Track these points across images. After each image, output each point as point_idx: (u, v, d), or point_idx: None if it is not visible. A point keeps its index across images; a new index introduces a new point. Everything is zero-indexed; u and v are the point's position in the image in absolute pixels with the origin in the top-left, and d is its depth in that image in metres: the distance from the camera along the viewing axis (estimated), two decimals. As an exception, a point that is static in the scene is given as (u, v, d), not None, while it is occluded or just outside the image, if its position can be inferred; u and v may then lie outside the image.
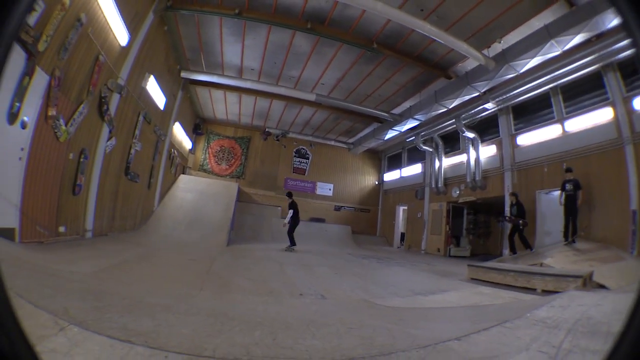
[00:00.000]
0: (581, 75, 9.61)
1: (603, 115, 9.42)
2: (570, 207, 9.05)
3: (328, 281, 7.38)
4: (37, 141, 5.18)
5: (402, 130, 16.01)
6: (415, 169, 18.73)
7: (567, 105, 10.51)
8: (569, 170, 9.37)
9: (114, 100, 7.63)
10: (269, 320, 3.56)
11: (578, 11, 7.93)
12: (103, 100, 7.14)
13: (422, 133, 15.88)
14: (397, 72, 12.50)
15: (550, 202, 10.63)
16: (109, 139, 7.74)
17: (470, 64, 10.85)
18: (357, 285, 7.15)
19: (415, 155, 18.60)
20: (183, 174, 16.65)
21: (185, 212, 13.08)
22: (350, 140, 20.42)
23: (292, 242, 12.39)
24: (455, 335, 2.99)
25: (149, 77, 9.24)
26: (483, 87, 10.93)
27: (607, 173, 9.16)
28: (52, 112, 5.43)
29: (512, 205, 11.33)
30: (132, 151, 9.21)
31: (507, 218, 11.38)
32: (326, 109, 16.05)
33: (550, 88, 10.59)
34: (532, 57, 8.96)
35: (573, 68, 9.41)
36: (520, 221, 10.96)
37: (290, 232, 12.52)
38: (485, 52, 9.95)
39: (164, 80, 10.80)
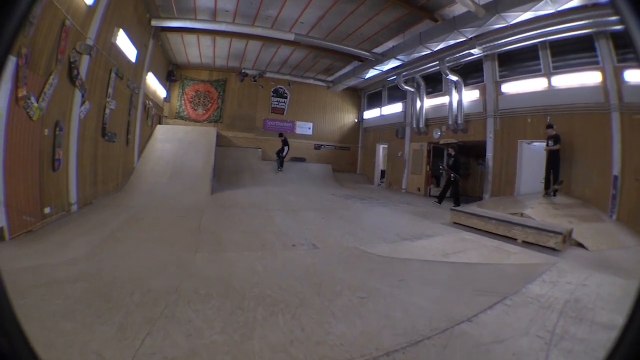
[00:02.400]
0: (572, 35, 9.35)
1: (591, 78, 9.30)
2: (553, 162, 9.26)
3: (317, 227, 7.65)
4: (10, 128, 4.78)
5: (384, 69, 15.59)
6: (395, 107, 18.50)
7: (555, 60, 10.31)
8: (550, 126, 9.45)
9: (84, 62, 7.02)
10: (276, 288, 3.78)
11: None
12: (73, 65, 6.56)
13: (404, 73, 15.47)
14: (381, 12, 11.80)
15: (532, 151, 10.82)
16: (82, 103, 7.24)
17: (458, 9, 10.30)
18: (346, 230, 7.43)
19: (396, 94, 18.25)
20: (160, 124, 16.02)
21: (165, 164, 12.78)
22: (330, 79, 19.80)
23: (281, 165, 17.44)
24: (466, 314, 3.23)
25: (119, 31, 8.45)
26: (471, 33, 10.55)
27: (590, 134, 9.24)
28: (22, 92, 4.97)
29: (449, 157, 11.55)
30: (107, 111, 8.70)
31: (442, 167, 11.67)
32: (305, 47, 15.27)
33: (539, 42, 10.30)
34: (525, 12, 8.61)
35: (565, 28, 9.11)
36: (452, 175, 11.25)
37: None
38: (476, -1, 9.47)
39: (134, 32, 9.92)
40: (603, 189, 8.76)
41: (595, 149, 9.08)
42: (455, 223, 8.77)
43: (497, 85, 12.14)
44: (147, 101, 12.80)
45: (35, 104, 5.43)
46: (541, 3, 8.13)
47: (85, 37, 6.88)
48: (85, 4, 6.61)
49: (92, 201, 8.12)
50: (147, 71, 12.24)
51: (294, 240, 6.40)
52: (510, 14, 8.93)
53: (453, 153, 11.73)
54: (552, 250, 6.45)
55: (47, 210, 6.01)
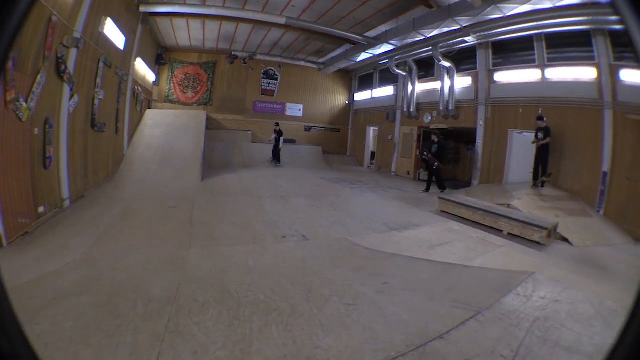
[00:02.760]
0: (569, 30, 9.29)
1: (586, 74, 9.28)
2: (542, 154, 9.37)
3: (306, 216, 7.77)
4: (1, 133, 4.71)
5: (376, 53, 15.44)
6: (387, 90, 18.38)
7: (550, 52, 10.26)
8: (540, 118, 9.47)
9: (72, 56, 6.83)
10: (268, 291, 3.90)
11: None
12: (60, 60, 6.39)
13: (396, 57, 15.31)
14: (375, -4, 11.64)
15: (522, 141, 10.91)
16: (71, 97, 7.09)
17: (454, -3, 10.20)
18: (335, 220, 7.55)
19: (387, 77, 18.08)
20: (149, 108, 15.73)
21: (155, 150, 12.65)
22: (321, 61, 19.52)
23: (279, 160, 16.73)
24: (439, 330, 3.29)
25: (106, 20, 8.20)
26: (465, 22, 10.47)
27: (582, 129, 9.29)
28: (11, 95, 4.86)
29: (433, 143, 11.61)
30: (96, 102, 8.52)
31: (425, 155, 11.76)
32: (296, 30, 14.99)
33: (535, 34, 10.23)
34: (522, 4, 8.53)
35: (562, 23, 9.03)
36: (436, 163, 11.34)
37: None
38: (472, -12, 9.34)
39: (122, 19, 9.62)
40: (592, 184, 8.87)
41: (585, 144, 9.15)
42: (443, 212, 8.90)
43: (490, 74, 12.12)
44: (136, 87, 12.54)
45: (25, 105, 5.31)
46: (540, -3, 8.05)
47: (73, 31, 6.68)
48: (71, -4, 6.39)
49: (84, 194, 8.06)
50: (136, 57, 11.94)
51: (284, 231, 6.51)
52: (507, 5, 8.88)
53: (436, 140, 11.73)
54: (537, 244, 6.60)
55: (41, 209, 5.97)
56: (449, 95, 13.58)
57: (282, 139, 16.76)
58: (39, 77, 5.64)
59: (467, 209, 8.36)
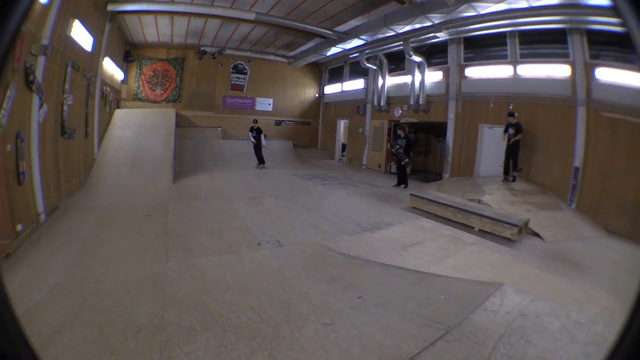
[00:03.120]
0: (544, 28, 9.49)
1: (560, 71, 9.45)
2: (512, 150, 9.63)
3: (279, 219, 7.80)
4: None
5: (347, 48, 15.47)
6: (357, 84, 18.46)
7: (523, 49, 10.45)
8: (511, 114, 9.70)
9: (40, 64, 6.52)
10: (250, 312, 3.94)
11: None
12: (29, 70, 6.09)
13: (367, 51, 15.41)
14: (347, -10, 11.62)
15: (493, 135, 11.22)
16: (41, 107, 6.78)
17: (427, -6, 10.29)
18: (308, 222, 7.64)
19: (358, 70, 18.08)
20: (118, 107, 15.20)
21: (126, 153, 12.27)
22: (291, 54, 19.36)
23: (262, 160, 15.50)
24: (410, 352, 3.36)
25: (74, 22, 7.83)
26: (438, 19, 10.63)
27: (554, 125, 9.52)
28: (-17, 115, 4.63)
29: (399, 138, 11.76)
30: (65, 108, 8.16)
31: (395, 149, 11.94)
32: (266, 25, 14.80)
33: (508, 31, 10.46)
34: (497, 3, 8.69)
35: (537, 21, 9.23)
36: (406, 160, 11.56)
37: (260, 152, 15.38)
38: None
39: (89, 20, 9.18)
40: (563, 179, 9.14)
41: (558, 140, 9.39)
42: (415, 208, 9.03)
43: (461, 69, 12.38)
44: (104, 87, 12.07)
45: (-3, 122, 5.07)
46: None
47: (41, 38, 6.37)
48: (40, 3, 6.08)
49: (58, 205, 7.78)
50: (104, 56, 11.48)
51: (259, 237, 6.54)
52: (481, 4, 9.00)
53: (403, 135, 11.80)
54: (508, 240, 6.79)
55: (19, 227, 5.74)
56: (420, 89, 13.81)
57: (263, 136, 15.34)
58: (9, 91, 5.36)
59: (438, 206, 8.47)
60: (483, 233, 7.25)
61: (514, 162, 9.70)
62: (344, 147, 20.23)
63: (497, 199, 8.73)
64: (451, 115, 12.63)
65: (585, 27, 8.75)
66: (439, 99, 13.24)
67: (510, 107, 10.23)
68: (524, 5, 8.68)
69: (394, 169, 15.18)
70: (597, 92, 8.74)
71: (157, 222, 7.31)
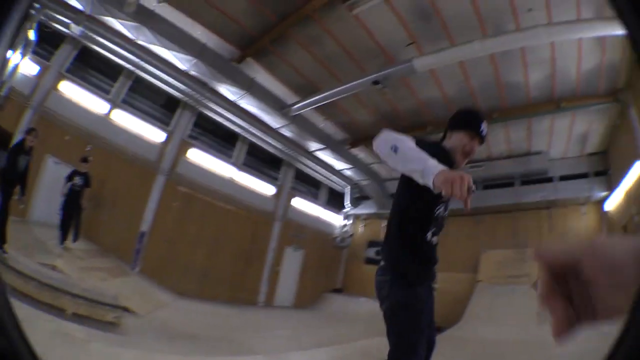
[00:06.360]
0: (165, 89, 9.25)
1: (155, 135, 9.27)
2: (76, 203, 7.84)
3: None
4: None
5: None
6: None
7: (131, 96, 9.39)
8: (85, 160, 7.93)
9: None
10: None
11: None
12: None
13: None
14: None
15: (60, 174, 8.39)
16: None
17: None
18: None
19: None
20: None
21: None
22: None
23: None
24: None
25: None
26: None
27: (127, 185, 8.93)
28: None
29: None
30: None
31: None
32: None
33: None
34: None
35: (162, 77, 8.86)
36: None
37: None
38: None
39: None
40: (129, 241, 8.74)
41: (127, 200, 8.93)
42: None
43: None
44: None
45: None
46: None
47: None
48: None
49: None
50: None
51: None
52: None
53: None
54: (112, 325, 5.69)
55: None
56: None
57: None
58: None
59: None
60: (77, 317, 5.48)
61: (76, 222, 7.93)
62: None
63: (69, 263, 6.92)
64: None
65: (201, 109, 9.51)
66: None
67: (88, 149, 8.53)
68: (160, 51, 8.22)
69: None
70: (182, 167, 9.45)
71: None
